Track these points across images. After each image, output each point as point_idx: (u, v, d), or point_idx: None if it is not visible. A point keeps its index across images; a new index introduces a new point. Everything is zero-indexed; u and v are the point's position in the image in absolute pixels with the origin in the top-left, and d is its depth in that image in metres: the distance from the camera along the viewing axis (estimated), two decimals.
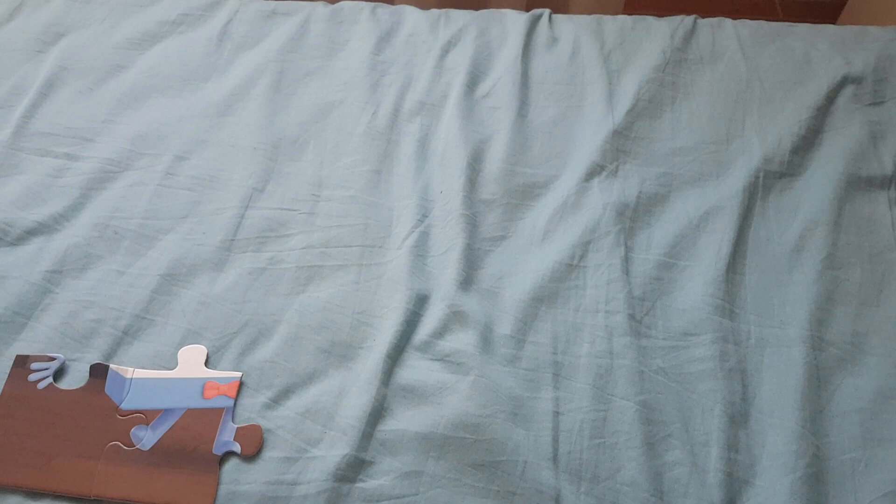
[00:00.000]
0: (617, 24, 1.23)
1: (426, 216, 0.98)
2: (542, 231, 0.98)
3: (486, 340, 0.87)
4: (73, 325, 0.87)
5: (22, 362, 0.84)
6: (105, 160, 1.03)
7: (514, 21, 1.23)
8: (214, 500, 0.75)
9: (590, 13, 1.28)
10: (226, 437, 0.80)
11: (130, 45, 1.18)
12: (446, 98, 1.12)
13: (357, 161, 1.04)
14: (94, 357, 0.85)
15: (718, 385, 0.84)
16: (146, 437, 0.79)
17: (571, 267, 0.93)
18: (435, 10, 1.25)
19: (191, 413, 0.81)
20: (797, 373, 0.84)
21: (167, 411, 0.81)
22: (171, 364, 0.85)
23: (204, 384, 0.83)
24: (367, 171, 1.03)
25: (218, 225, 0.97)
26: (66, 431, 0.80)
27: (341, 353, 0.86)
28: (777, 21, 1.26)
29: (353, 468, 0.77)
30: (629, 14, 1.27)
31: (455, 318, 0.88)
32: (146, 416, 0.81)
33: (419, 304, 0.89)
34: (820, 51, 1.18)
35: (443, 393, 0.82)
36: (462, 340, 0.86)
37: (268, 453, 0.79)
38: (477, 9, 1.33)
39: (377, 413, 0.81)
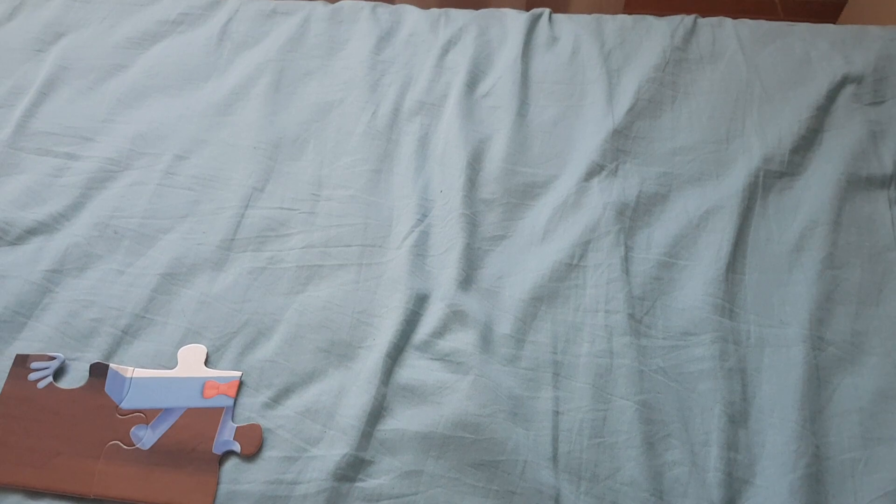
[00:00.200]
0: (617, 23, 1.23)
1: (426, 216, 0.98)
2: (542, 230, 0.98)
3: (486, 340, 0.86)
4: (73, 324, 0.87)
5: (22, 362, 0.84)
6: (105, 160, 1.03)
7: (514, 20, 1.23)
8: (214, 500, 0.75)
9: (590, 13, 1.28)
10: (226, 436, 0.80)
11: (130, 45, 1.18)
12: (446, 97, 1.11)
13: (357, 160, 1.04)
14: (94, 356, 0.85)
15: (718, 385, 0.84)
16: (146, 437, 0.79)
17: (571, 266, 0.93)
18: (435, 10, 1.25)
19: (190, 412, 0.81)
20: (797, 372, 0.84)
21: (167, 411, 0.81)
22: (171, 363, 0.85)
23: (204, 383, 0.83)
24: (367, 170, 1.03)
25: (218, 224, 0.97)
26: (65, 431, 0.80)
27: (341, 352, 0.86)
28: (777, 20, 1.25)
29: (353, 468, 0.77)
30: (629, 13, 1.27)
31: (455, 318, 0.87)
32: (146, 416, 0.81)
33: (419, 303, 0.89)
34: (820, 50, 1.18)
35: (442, 392, 0.82)
36: (462, 340, 0.86)
37: (267, 453, 0.79)
38: (477, 8, 1.32)
39: (377, 412, 0.81)
